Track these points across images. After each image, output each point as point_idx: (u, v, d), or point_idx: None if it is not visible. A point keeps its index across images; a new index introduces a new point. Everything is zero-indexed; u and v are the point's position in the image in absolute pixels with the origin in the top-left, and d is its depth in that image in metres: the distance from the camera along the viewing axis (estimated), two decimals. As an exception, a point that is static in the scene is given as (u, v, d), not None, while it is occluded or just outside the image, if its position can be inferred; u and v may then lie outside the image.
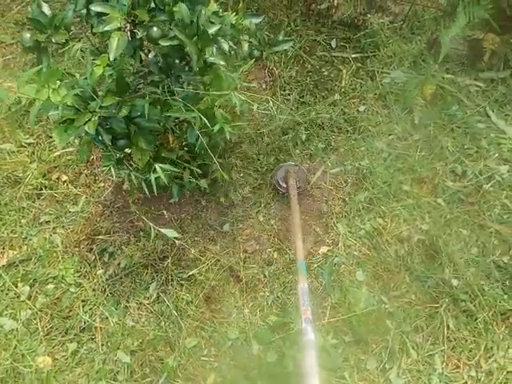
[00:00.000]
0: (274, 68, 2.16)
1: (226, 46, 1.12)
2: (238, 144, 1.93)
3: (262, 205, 1.79)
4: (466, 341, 1.51)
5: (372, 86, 2.13)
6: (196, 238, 1.71)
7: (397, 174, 1.87)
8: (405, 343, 1.50)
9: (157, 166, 1.28)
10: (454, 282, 1.60)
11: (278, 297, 1.59)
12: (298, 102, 2.08)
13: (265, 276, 1.63)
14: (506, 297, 1.57)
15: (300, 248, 1.47)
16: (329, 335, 1.50)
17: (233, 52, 1.26)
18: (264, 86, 2.12)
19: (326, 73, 2.18)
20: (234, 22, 1.24)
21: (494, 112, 2.02)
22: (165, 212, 1.75)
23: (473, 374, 1.45)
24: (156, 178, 1.32)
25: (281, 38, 1.39)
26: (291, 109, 2.05)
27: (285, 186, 1.78)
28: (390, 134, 2.00)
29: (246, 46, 1.30)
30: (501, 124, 1.99)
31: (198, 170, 1.55)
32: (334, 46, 2.25)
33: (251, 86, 2.09)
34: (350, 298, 1.58)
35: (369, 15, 2.25)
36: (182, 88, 1.22)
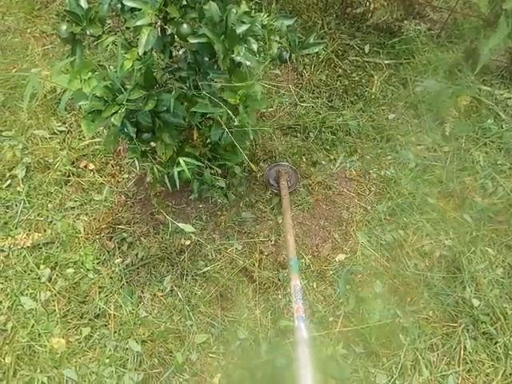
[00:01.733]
0: (304, 70, 2.14)
1: (254, 47, 1.11)
2: (261, 145, 1.93)
3: (282, 207, 1.78)
4: (484, 364, 1.45)
5: (403, 94, 2.08)
6: (213, 235, 1.72)
7: (423, 185, 1.82)
8: (418, 360, 1.46)
9: (181, 159, 1.29)
10: (475, 303, 1.54)
11: (290, 301, 1.57)
12: (326, 106, 2.06)
13: (279, 279, 1.62)
14: (530, 323, 1.50)
15: (292, 245, 1.47)
16: (339, 345, 1.48)
17: (262, 53, 1.26)
18: (293, 88, 2.11)
19: (356, 78, 2.14)
20: (265, 23, 1.24)
21: (532, 128, 1.94)
22: (185, 207, 1.77)
23: (488, 400, 1.40)
24: (178, 173, 1.33)
25: (312, 40, 1.37)
26: (319, 113, 2.03)
27: (276, 185, 1.78)
28: (418, 145, 1.94)
29: (275, 48, 1.29)
30: (538, 141, 1.91)
31: (218, 170, 1.55)
32: (367, 51, 2.22)
33: (279, 86, 2.09)
34: (364, 308, 1.55)
35: (405, 21, 2.19)
36: (209, 84, 1.23)
